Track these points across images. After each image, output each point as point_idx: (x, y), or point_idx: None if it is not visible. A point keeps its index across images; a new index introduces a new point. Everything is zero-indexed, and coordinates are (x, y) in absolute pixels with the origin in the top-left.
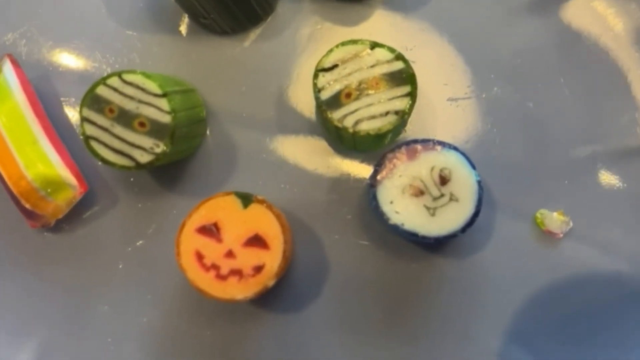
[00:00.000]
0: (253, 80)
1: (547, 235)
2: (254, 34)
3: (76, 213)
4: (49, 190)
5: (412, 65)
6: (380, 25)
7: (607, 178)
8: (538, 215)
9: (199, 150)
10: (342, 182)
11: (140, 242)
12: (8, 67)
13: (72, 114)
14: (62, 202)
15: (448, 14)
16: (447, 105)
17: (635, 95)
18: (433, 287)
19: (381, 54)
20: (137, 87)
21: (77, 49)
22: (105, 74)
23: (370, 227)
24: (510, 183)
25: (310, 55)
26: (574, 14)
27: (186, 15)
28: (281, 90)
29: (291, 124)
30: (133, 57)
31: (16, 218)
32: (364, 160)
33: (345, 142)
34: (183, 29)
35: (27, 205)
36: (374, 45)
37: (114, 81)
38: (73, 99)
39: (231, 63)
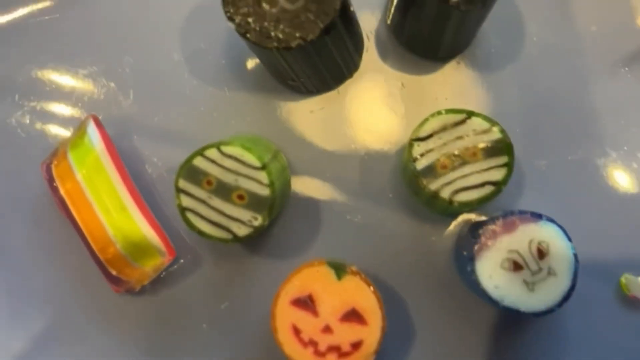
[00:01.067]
0: (336, 139)
1: (632, 300)
2: (338, 92)
3: (160, 276)
4: (135, 256)
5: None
6: (464, 84)
7: None
8: (623, 279)
9: (284, 212)
10: (427, 245)
11: (225, 304)
12: (92, 128)
13: (152, 171)
14: (149, 268)
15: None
16: (533, 169)
17: None
18: (516, 348)
19: (477, 123)
20: (236, 159)
21: (157, 106)
22: (184, 130)
23: (457, 292)
24: (596, 247)
25: (394, 114)
26: None
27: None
28: (365, 150)
29: (375, 183)
30: (214, 116)
31: (98, 279)
32: (449, 222)
33: (437, 209)
34: (266, 86)
35: (114, 272)
36: (470, 114)
37: (212, 153)
38: (155, 159)
39: (314, 121)
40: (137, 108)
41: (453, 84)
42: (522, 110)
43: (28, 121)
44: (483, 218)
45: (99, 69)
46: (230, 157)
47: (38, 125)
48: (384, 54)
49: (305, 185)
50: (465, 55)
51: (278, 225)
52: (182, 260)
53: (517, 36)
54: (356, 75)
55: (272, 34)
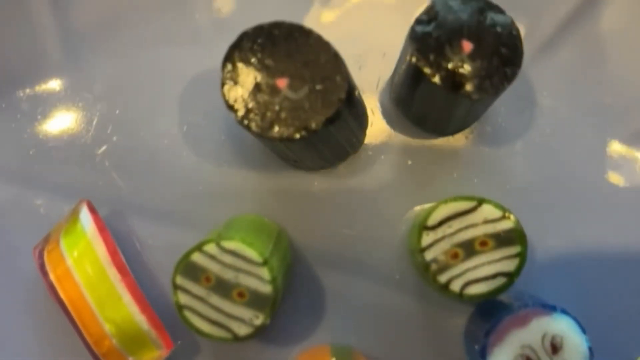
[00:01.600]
0: (340, 217)
1: None
2: (342, 169)
3: None
4: (132, 350)
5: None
6: (473, 159)
7: None
8: None
9: (286, 297)
10: (438, 331)
11: None
12: (85, 213)
13: (148, 255)
14: None
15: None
16: (545, 250)
17: None
18: None
19: (489, 211)
20: (236, 254)
21: (154, 185)
22: (182, 211)
23: None
24: (613, 333)
25: (400, 191)
26: None
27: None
28: (369, 228)
29: (380, 264)
30: (214, 195)
31: None
32: (459, 306)
33: (449, 297)
34: (267, 163)
35: None
36: (481, 201)
37: (211, 248)
38: (151, 241)
39: (317, 199)
40: (133, 187)
41: (461, 160)
42: (534, 187)
43: (22, 203)
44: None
45: (93, 146)
46: (230, 252)
47: (31, 207)
48: (389, 128)
49: (308, 266)
50: (475, 128)
51: (280, 309)
52: (179, 342)
53: (528, 109)
54: (361, 150)
55: (274, 125)
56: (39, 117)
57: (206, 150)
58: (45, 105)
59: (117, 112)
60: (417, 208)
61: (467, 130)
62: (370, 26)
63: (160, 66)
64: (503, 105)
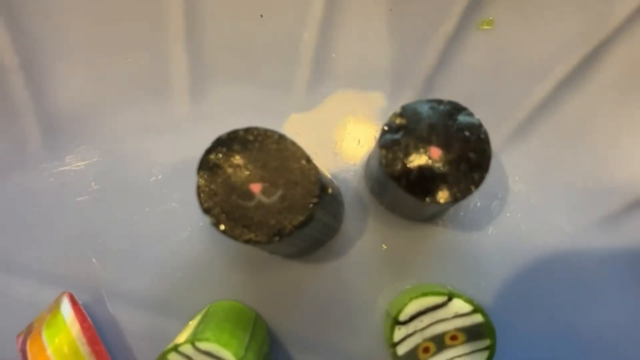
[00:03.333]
0: (316, 303)
1: None
2: (318, 254)
3: None
4: None
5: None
6: (445, 245)
7: None
8: None
9: None
10: None
11: None
12: (66, 306)
13: (130, 342)
14: None
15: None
16: (518, 338)
17: None
18: None
19: (459, 305)
20: (212, 355)
21: (133, 272)
22: (161, 297)
23: None
24: None
25: (373, 278)
26: None
27: None
28: (346, 314)
29: (357, 349)
30: (191, 282)
31: None
32: None
33: None
34: (243, 251)
35: None
36: (451, 296)
37: (187, 349)
38: (131, 327)
39: (294, 285)
40: (113, 274)
41: (435, 244)
42: (506, 271)
43: (7, 290)
44: None
45: (75, 233)
46: (205, 353)
47: (16, 295)
48: (363, 216)
49: (285, 351)
50: (449, 213)
51: None
52: None
53: (501, 194)
54: (337, 237)
55: (248, 231)
56: (23, 204)
57: (184, 237)
58: (27, 192)
59: (98, 199)
60: (393, 294)
61: (440, 218)
62: (345, 117)
63: (140, 155)
64: (475, 196)
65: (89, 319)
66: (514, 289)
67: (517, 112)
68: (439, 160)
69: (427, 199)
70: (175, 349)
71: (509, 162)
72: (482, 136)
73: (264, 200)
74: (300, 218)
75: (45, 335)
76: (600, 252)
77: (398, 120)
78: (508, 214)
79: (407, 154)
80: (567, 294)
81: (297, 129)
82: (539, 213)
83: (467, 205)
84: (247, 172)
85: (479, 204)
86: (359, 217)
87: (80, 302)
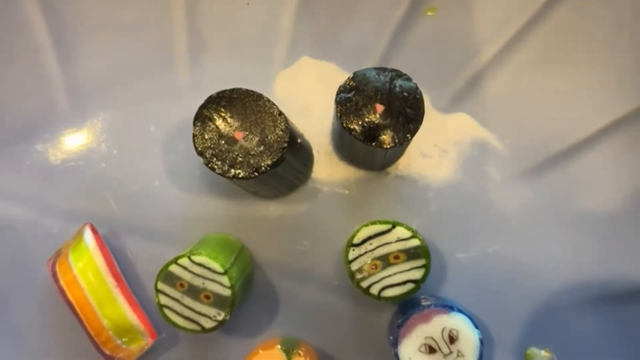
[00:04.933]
0: (291, 236)
1: None
2: (292, 197)
3: (144, 355)
4: (124, 339)
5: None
6: (394, 191)
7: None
8: (529, 352)
9: (247, 298)
10: (366, 324)
11: None
12: (88, 234)
13: (139, 265)
14: (135, 348)
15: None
16: (453, 263)
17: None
18: None
19: (400, 232)
20: (203, 266)
21: (142, 211)
22: (165, 231)
23: None
24: (508, 327)
25: (337, 216)
26: None
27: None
28: (315, 245)
29: (323, 273)
30: (189, 218)
31: (95, 356)
32: (382, 307)
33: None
34: (231, 193)
35: (107, 352)
36: (395, 224)
37: (185, 261)
38: (140, 254)
39: (273, 221)
40: (126, 212)
41: (387, 190)
42: (444, 210)
43: (38, 225)
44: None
45: (94, 180)
46: (198, 264)
47: (46, 228)
48: (329, 166)
49: (266, 275)
50: (398, 164)
51: (242, 310)
52: (164, 335)
53: (441, 147)
54: (308, 183)
55: (232, 168)
56: (50, 156)
57: (184, 183)
58: (57, 147)
59: (115, 152)
60: (351, 228)
61: (391, 167)
62: (316, 86)
63: (149, 116)
64: (422, 147)
65: (106, 246)
66: (450, 224)
67: (456, 81)
68: (382, 114)
69: (373, 144)
70: (175, 261)
71: (449, 122)
72: (418, 96)
73: (245, 145)
74: (274, 159)
75: (71, 258)
76: (523, 197)
77: (351, 83)
78: (448, 165)
79: (357, 109)
80: (496, 230)
81: (277, 95)
82: (473, 164)
83: (413, 157)
84: (231, 123)
85: (423, 156)
86: (326, 167)
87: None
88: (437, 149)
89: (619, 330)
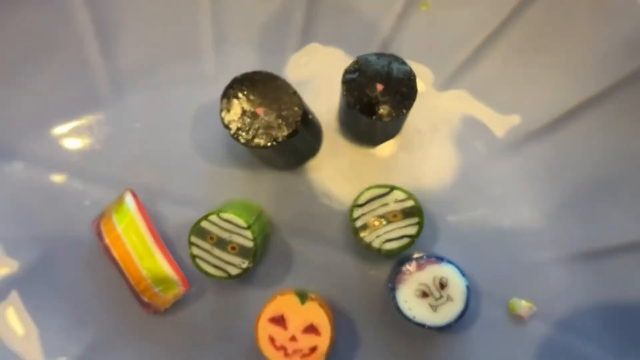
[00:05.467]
0: (303, 201)
1: (517, 318)
2: (304, 168)
3: (177, 302)
4: (160, 288)
5: (422, 189)
6: (393, 161)
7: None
8: (511, 302)
9: (265, 256)
10: (368, 278)
11: (224, 324)
12: (129, 198)
13: (172, 226)
14: (169, 296)
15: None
16: (444, 224)
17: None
18: (432, 358)
19: (398, 194)
20: (230, 222)
21: (175, 180)
22: (194, 197)
23: (389, 316)
24: (493, 280)
25: (343, 184)
26: None
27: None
28: (324, 209)
29: (332, 233)
30: (216, 187)
31: (133, 304)
32: (382, 262)
33: (373, 253)
34: (252, 166)
35: (145, 299)
36: (392, 188)
37: (214, 218)
38: (173, 217)
39: (287, 189)
40: (161, 181)
41: (387, 161)
42: (437, 177)
43: (85, 192)
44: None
45: (133, 153)
46: (225, 220)
47: (91, 194)
48: (336, 142)
49: (281, 235)
50: (396, 140)
51: (261, 265)
52: (193, 288)
53: (434, 124)
54: (318, 156)
55: (255, 138)
56: (93, 134)
57: (211, 156)
58: (99, 125)
59: (149, 130)
60: (354, 194)
61: (390, 142)
62: (325, 70)
63: (179, 98)
64: (417, 124)
65: (144, 209)
66: (441, 191)
67: (447, 67)
68: (381, 92)
69: (374, 117)
70: (206, 217)
71: (441, 102)
72: (412, 77)
73: (265, 119)
74: (289, 130)
75: (115, 219)
76: (508, 167)
77: (355, 66)
78: (441, 139)
79: (360, 88)
80: (482, 197)
81: (290, 77)
82: (462, 139)
83: (410, 132)
84: (253, 100)
85: (417, 131)
86: (333, 141)
87: None
88: (431, 124)
89: (595, 285)
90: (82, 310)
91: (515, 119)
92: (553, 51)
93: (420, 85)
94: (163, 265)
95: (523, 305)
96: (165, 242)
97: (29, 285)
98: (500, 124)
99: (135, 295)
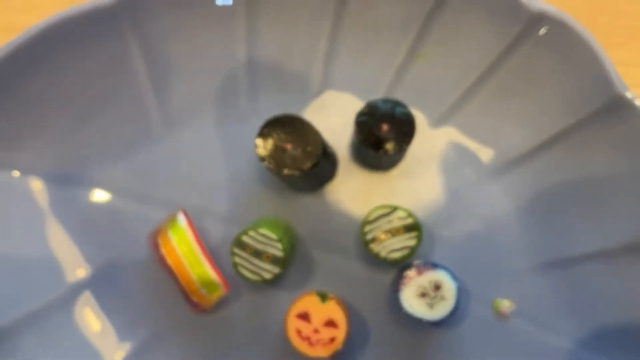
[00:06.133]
0: (322, 219)
1: (500, 315)
2: (324, 191)
3: (219, 302)
4: (206, 290)
5: (420, 208)
6: (396, 187)
7: (540, 281)
8: (494, 302)
9: (292, 263)
10: (378, 282)
11: (258, 320)
12: (181, 217)
13: (215, 241)
14: (214, 297)
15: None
16: (439, 236)
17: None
18: (429, 348)
19: (399, 213)
20: (264, 236)
21: (217, 203)
22: (232, 216)
23: (392, 313)
24: (480, 284)
25: (356, 204)
26: None
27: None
28: (340, 224)
29: (346, 244)
30: (249, 208)
31: (184, 304)
32: (388, 268)
33: (379, 261)
34: (281, 190)
35: (194, 299)
36: (396, 208)
37: (252, 232)
38: (215, 233)
39: (310, 208)
40: (205, 203)
41: (392, 184)
42: (432, 200)
43: (141, 211)
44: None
45: (182, 180)
46: (261, 235)
47: (146, 213)
48: (349, 170)
49: (305, 247)
50: (400, 166)
51: (289, 272)
52: (232, 291)
53: (429, 155)
54: (335, 181)
55: (284, 168)
56: (149, 163)
57: (246, 182)
58: (154, 157)
59: (196, 161)
60: (365, 212)
61: (394, 169)
62: (340, 111)
63: (220, 134)
64: (416, 155)
65: (193, 225)
66: (438, 210)
67: (441, 107)
68: (386, 131)
69: (380, 151)
70: (245, 233)
71: (435, 136)
72: (411, 119)
73: (292, 152)
74: (312, 162)
75: (170, 233)
76: (492, 191)
77: (365, 109)
78: (435, 167)
79: (369, 127)
80: (471, 215)
81: (311, 117)
82: (453, 167)
83: (410, 161)
84: (282, 138)
85: (417, 160)
86: (347, 169)
87: None
88: (427, 155)
89: (566, 287)
90: (141, 310)
91: (498, 150)
92: (527, 95)
93: (418, 123)
94: (209, 271)
95: (505, 305)
96: (210, 252)
97: (98, 288)
98: (485, 154)
99: (186, 297)
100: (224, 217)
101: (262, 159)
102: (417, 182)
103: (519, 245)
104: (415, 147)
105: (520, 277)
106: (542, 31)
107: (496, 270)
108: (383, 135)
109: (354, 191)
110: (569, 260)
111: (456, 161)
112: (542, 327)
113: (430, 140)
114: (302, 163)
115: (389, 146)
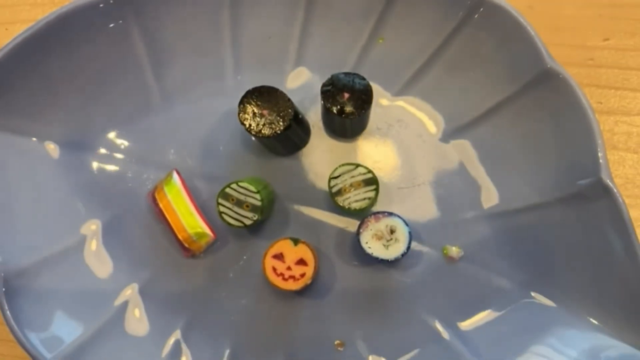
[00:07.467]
0: (296, 178)
1: (449, 259)
2: (297, 155)
3: (208, 248)
4: (196, 237)
5: (380, 167)
6: (360, 150)
7: (484, 229)
8: (444, 248)
9: (270, 215)
10: (344, 229)
11: (241, 262)
12: (175, 176)
13: (204, 196)
14: (203, 243)
15: (398, 144)
16: (396, 191)
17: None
18: (388, 285)
19: (361, 170)
20: (245, 188)
21: (206, 164)
22: (219, 175)
23: (356, 255)
24: (431, 232)
25: (325, 165)
26: None
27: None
28: (310, 183)
29: (317, 198)
30: (234, 168)
31: (176, 249)
32: (353, 219)
33: (344, 211)
34: (260, 153)
35: (186, 245)
36: (357, 165)
37: (234, 185)
38: (204, 189)
39: (285, 170)
40: (196, 165)
41: (357, 149)
42: (390, 158)
43: (141, 172)
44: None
45: (176, 145)
46: (242, 187)
47: (144, 174)
48: (320, 136)
49: (282, 202)
50: (364, 134)
51: (267, 222)
52: (219, 238)
53: (391, 123)
54: (308, 146)
55: (261, 130)
56: (148, 131)
57: (231, 146)
58: (152, 126)
59: (189, 127)
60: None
61: (359, 136)
62: (312, 85)
63: (210, 106)
64: (377, 124)
65: (186, 183)
66: (395, 168)
67: (399, 81)
68: (348, 99)
69: (343, 115)
70: (229, 185)
71: (394, 107)
72: (369, 89)
73: (268, 117)
74: (285, 124)
75: (166, 190)
76: (444, 150)
77: (329, 81)
78: (393, 133)
79: (333, 96)
80: (425, 171)
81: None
82: (409, 132)
83: (371, 129)
84: (260, 105)
85: (377, 128)
86: (319, 136)
87: None
88: (386, 123)
89: (506, 235)
90: (142, 254)
91: (446, 117)
92: (472, 70)
93: (379, 96)
94: (198, 221)
95: (454, 250)
96: (200, 205)
97: (107, 237)
98: (437, 121)
99: (179, 243)
100: (212, 176)
101: (242, 123)
102: (378, 146)
103: (465, 198)
104: (377, 117)
105: (467, 226)
106: (482, 14)
107: (445, 220)
108: (345, 102)
109: (324, 155)
110: (510, 212)
111: (412, 128)
112: (486, 269)
113: (390, 110)
114: (277, 126)
115: (349, 110)
